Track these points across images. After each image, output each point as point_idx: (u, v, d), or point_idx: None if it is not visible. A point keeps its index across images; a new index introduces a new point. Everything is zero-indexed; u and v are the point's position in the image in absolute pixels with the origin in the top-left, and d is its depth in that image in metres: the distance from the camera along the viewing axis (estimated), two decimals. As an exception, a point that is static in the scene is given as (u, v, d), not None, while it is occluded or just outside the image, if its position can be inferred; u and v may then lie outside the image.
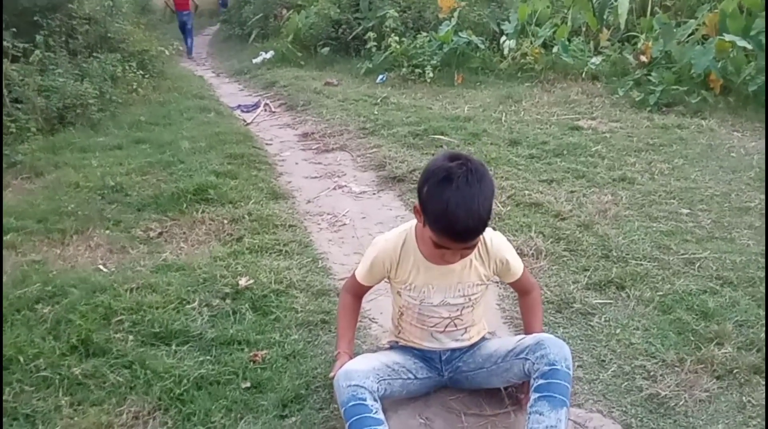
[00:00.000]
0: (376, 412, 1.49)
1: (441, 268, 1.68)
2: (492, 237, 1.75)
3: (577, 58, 6.96)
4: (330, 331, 2.23)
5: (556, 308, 2.33)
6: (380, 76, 7.84)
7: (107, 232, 3.13)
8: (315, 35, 9.93)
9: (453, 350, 1.81)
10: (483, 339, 1.86)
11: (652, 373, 1.95)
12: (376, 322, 2.30)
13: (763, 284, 2.41)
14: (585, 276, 2.55)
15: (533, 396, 1.59)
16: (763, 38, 5.51)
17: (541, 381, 1.59)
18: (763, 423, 1.74)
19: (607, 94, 6.11)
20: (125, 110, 6.16)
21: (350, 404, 1.50)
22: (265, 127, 5.92)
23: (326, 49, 9.65)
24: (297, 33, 10.22)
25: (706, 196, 3.44)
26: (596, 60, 6.81)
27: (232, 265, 2.68)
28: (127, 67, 6.96)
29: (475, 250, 1.69)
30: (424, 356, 1.81)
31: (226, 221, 3.23)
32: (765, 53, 5.41)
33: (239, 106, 6.99)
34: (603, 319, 2.26)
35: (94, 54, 6.75)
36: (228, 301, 2.40)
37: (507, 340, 1.82)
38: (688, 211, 3.25)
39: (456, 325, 1.78)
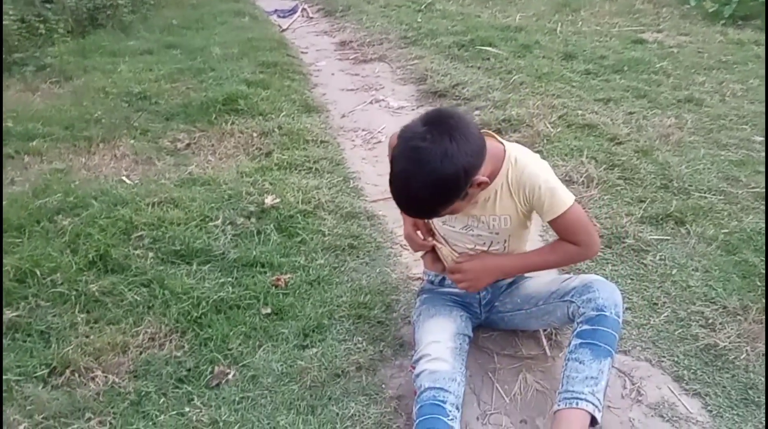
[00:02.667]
0: (452, 419, 1.34)
1: None
2: (517, 156, 1.42)
3: (645, -38, 6.29)
4: (358, 257, 2.10)
5: (606, 243, 2.12)
6: (426, -20, 7.29)
7: (133, 141, 3.02)
8: (358, -67, 9.25)
9: (492, 290, 1.64)
10: (522, 276, 1.68)
11: (710, 321, 1.76)
12: (407, 249, 2.15)
13: None
14: (640, 208, 2.32)
15: (574, 342, 1.41)
16: None
17: (585, 326, 1.41)
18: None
19: (677, 4, 5.61)
20: (157, 12, 5.92)
21: (428, 402, 1.35)
22: (301, 34, 5.62)
23: (369, -51, 9.02)
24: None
25: (783, 123, 3.08)
26: (667, -36, 6.14)
27: (259, 181, 2.54)
28: (160, -34, 6.62)
29: (503, 177, 1.42)
30: (463, 303, 1.64)
31: (255, 134, 3.07)
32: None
33: (276, 10, 6.66)
34: (658, 258, 2.05)
35: (126, -50, 6.42)
36: (253, 220, 2.28)
37: (550, 279, 1.61)
38: (762, 138, 2.92)
39: None
